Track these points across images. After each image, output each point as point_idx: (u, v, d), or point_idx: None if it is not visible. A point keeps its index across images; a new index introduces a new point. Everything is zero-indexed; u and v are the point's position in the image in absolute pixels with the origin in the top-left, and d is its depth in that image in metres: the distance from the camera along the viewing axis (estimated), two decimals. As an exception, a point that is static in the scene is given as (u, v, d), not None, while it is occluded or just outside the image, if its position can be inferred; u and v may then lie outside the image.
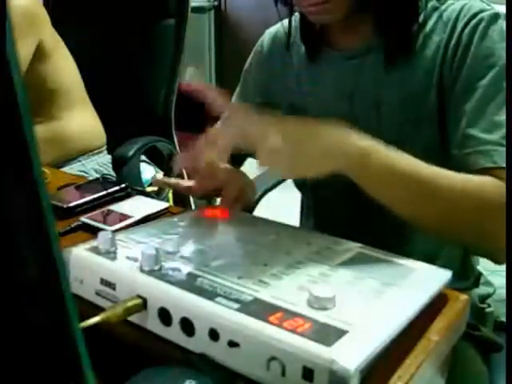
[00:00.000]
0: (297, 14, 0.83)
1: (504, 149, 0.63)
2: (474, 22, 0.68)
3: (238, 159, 0.99)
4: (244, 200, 0.72)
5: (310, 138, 0.56)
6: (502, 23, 0.68)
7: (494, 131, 0.64)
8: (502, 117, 0.64)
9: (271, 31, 0.90)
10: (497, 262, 0.66)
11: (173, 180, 0.82)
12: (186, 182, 0.76)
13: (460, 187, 0.61)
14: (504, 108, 0.64)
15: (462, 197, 0.61)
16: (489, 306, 0.84)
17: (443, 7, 0.72)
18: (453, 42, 0.69)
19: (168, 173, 1.48)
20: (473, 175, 0.62)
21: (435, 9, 0.72)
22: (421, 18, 0.72)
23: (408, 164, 0.60)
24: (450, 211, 0.62)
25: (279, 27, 0.88)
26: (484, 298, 0.84)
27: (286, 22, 0.85)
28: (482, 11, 0.68)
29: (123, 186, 0.87)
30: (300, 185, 0.91)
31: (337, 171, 0.57)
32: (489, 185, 0.61)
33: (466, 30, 0.68)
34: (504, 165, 0.62)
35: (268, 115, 0.58)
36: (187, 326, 0.44)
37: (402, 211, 0.61)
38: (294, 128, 0.57)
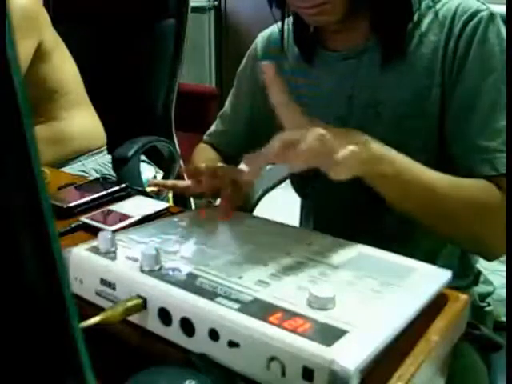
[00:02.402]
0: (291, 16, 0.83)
1: (504, 155, 0.65)
2: (472, 23, 0.68)
3: (234, 161, 0.99)
4: (242, 199, 0.72)
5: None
6: (499, 23, 0.68)
7: (495, 138, 0.66)
8: (502, 122, 0.66)
9: (264, 34, 0.90)
10: (487, 259, 0.71)
11: (170, 181, 0.82)
12: (184, 183, 0.76)
13: (457, 192, 0.65)
14: (504, 113, 0.65)
15: (458, 201, 0.65)
16: (488, 304, 0.84)
17: (438, 6, 0.72)
18: (451, 43, 0.69)
19: (168, 173, 1.48)
20: (471, 180, 0.66)
21: (429, 8, 0.72)
22: (415, 17, 0.72)
23: (414, 169, 0.64)
24: (446, 212, 0.66)
25: (273, 29, 0.88)
26: (484, 297, 0.84)
27: (280, 24, 0.85)
28: (478, 11, 0.68)
29: (123, 186, 0.87)
30: (300, 190, 0.90)
31: (356, 176, 0.59)
32: (485, 190, 0.66)
33: (465, 33, 0.68)
34: (504, 171, 0.65)
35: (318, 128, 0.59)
36: (187, 326, 0.44)
37: (404, 210, 0.66)
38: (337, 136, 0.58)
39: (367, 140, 0.60)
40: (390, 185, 0.63)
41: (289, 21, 0.84)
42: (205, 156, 0.94)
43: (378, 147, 0.61)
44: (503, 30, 0.68)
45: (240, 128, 0.94)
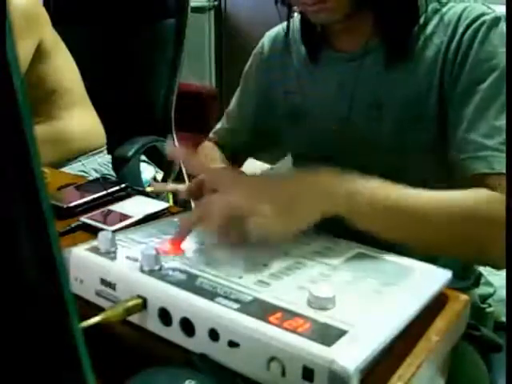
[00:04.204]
0: (297, 15, 0.83)
1: (502, 154, 0.63)
2: (475, 25, 0.68)
3: (238, 159, 0.99)
4: None
5: (295, 194, 0.56)
6: (503, 26, 0.68)
7: (494, 136, 0.64)
8: (502, 121, 0.64)
9: (271, 34, 0.90)
10: (497, 268, 0.66)
11: (170, 186, 0.82)
12: (184, 187, 0.77)
13: (450, 210, 0.59)
14: (504, 112, 0.64)
15: (454, 220, 0.59)
16: (489, 305, 0.84)
17: (444, 9, 0.72)
18: (453, 45, 0.69)
19: (168, 173, 1.48)
20: (464, 191, 0.61)
21: (436, 11, 0.72)
22: (421, 20, 0.72)
23: (395, 195, 0.58)
24: (444, 234, 0.60)
25: (279, 29, 0.88)
26: (484, 298, 0.84)
27: (286, 23, 0.85)
28: (483, 15, 0.68)
29: (123, 185, 0.87)
30: None
31: (328, 215, 0.56)
32: (483, 200, 0.60)
33: (467, 34, 0.68)
34: (502, 170, 0.62)
35: (249, 179, 0.60)
36: (187, 326, 0.44)
37: (397, 240, 0.59)
38: (278, 188, 0.57)
39: (334, 176, 0.57)
40: (366, 216, 0.58)
41: (294, 20, 0.84)
42: (208, 156, 0.94)
43: (347, 180, 0.57)
44: None
45: (245, 126, 0.95)
